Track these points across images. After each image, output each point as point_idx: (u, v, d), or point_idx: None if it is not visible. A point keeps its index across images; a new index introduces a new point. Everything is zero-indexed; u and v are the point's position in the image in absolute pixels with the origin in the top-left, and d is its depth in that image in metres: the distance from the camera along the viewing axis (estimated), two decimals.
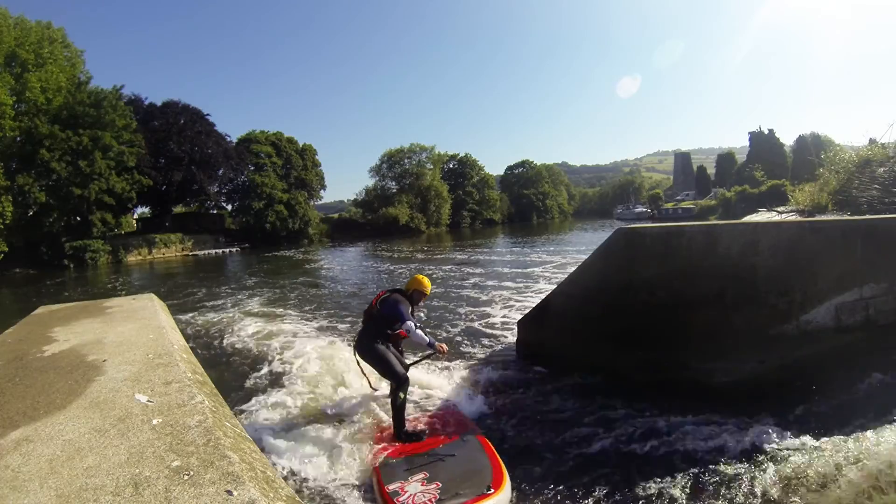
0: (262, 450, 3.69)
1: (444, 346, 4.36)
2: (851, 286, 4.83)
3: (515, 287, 12.50)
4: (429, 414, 4.61)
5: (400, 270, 18.84)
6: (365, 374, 4.77)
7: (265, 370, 6.44)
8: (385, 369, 4.25)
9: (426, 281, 4.59)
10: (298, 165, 47.68)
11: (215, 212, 46.02)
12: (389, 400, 4.29)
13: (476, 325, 8.50)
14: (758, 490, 3.19)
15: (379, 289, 8.75)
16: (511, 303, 10.36)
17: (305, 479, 3.63)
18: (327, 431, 4.27)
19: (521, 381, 5.54)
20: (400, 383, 4.14)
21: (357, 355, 4.54)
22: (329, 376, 5.85)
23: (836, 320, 4.78)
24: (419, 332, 4.18)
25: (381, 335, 4.38)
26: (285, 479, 3.46)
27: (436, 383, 5.47)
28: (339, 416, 4.66)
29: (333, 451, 3.94)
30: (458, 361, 6.25)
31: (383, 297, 4.49)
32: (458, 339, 7.63)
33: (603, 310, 5.43)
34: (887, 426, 3.72)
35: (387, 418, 4.45)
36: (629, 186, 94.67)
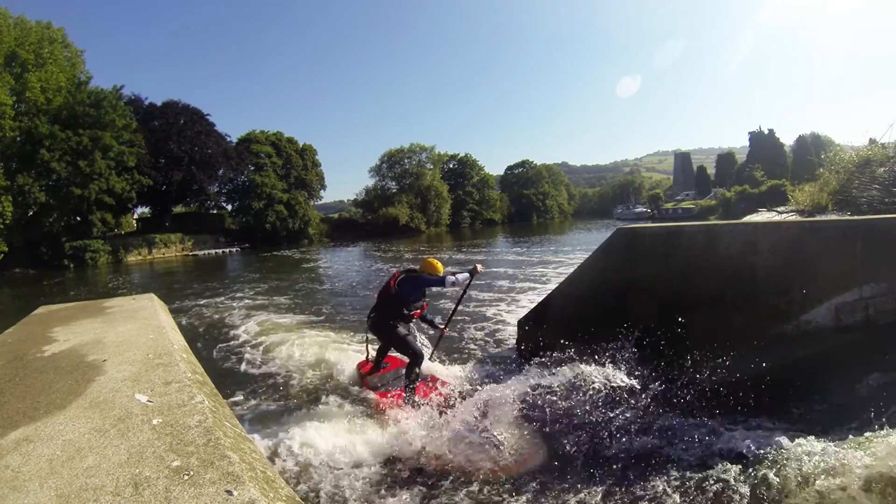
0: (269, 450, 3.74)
1: (480, 266, 4.90)
2: (851, 286, 4.82)
3: (515, 287, 12.50)
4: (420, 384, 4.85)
5: (397, 269, 18.80)
6: (367, 350, 5.23)
7: (265, 366, 6.51)
8: (404, 348, 4.65)
9: (438, 265, 4.84)
10: (298, 165, 47.66)
11: (215, 212, 46.01)
12: (404, 374, 4.69)
13: (476, 324, 8.51)
14: (757, 490, 3.19)
15: (376, 287, 9.35)
16: (511, 303, 10.36)
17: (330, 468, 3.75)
18: (335, 420, 4.47)
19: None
20: (417, 360, 4.56)
21: (370, 331, 4.87)
22: (327, 368, 6.06)
23: (836, 320, 4.78)
24: (452, 278, 4.62)
25: (398, 315, 4.67)
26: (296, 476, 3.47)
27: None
28: (341, 405, 4.86)
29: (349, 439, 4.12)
30: (458, 361, 6.25)
31: (401, 278, 4.76)
32: (458, 338, 7.63)
33: (602, 310, 5.43)
34: (887, 426, 3.71)
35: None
36: (629, 186, 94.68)
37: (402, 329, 4.68)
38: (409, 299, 4.68)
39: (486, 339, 7.55)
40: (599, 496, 3.29)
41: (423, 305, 4.83)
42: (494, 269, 16.78)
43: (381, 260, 24.54)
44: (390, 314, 4.69)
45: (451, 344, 7.31)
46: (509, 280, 13.89)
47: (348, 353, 6.87)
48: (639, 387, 4.87)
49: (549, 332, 6.04)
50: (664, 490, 3.28)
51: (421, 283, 4.68)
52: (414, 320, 4.91)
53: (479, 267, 4.86)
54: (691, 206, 54.07)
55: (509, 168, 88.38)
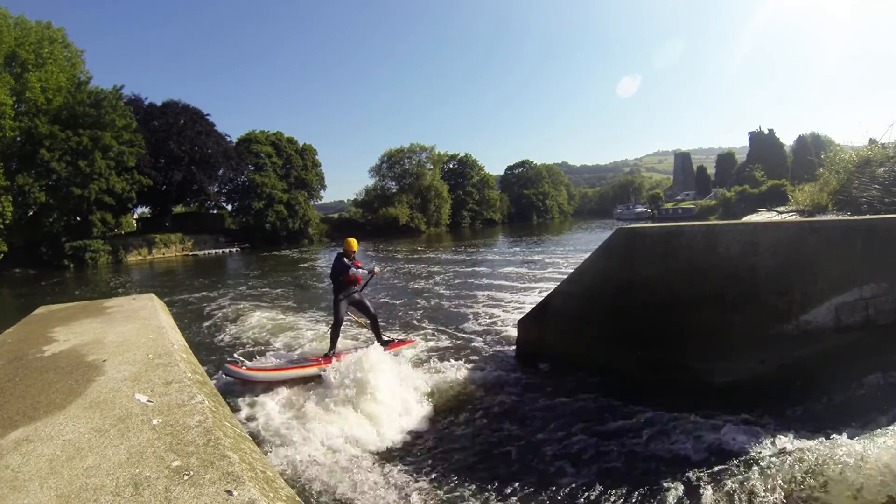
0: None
1: (378, 269, 6.94)
2: (851, 286, 4.82)
3: (515, 287, 12.50)
4: None
5: (399, 268, 18.86)
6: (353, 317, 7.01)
7: (263, 356, 6.53)
8: (334, 312, 6.18)
9: (352, 243, 6.32)
10: (298, 165, 47.61)
11: (215, 212, 45.95)
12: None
13: (476, 324, 8.51)
14: (757, 490, 3.19)
15: (378, 283, 12.42)
16: (511, 303, 10.36)
17: None
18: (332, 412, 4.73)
19: (520, 382, 5.55)
20: (336, 323, 6.06)
21: None
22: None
23: (836, 320, 4.78)
24: (358, 270, 6.21)
25: (336, 285, 6.15)
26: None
27: (435, 382, 5.48)
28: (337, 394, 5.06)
29: None
30: (458, 361, 6.25)
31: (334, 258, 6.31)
32: (459, 338, 7.64)
33: (603, 310, 5.43)
34: (887, 426, 3.72)
35: None
36: (629, 186, 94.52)
37: (336, 299, 6.09)
38: (339, 273, 6.08)
39: (486, 338, 7.54)
40: (599, 495, 3.29)
41: (356, 277, 6.17)
42: (494, 269, 16.80)
43: (387, 260, 24.54)
44: (335, 288, 6.13)
45: (452, 344, 7.32)
46: (509, 279, 13.91)
47: (346, 343, 6.93)
48: (639, 386, 4.88)
49: (549, 331, 6.05)
50: (664, 489, 3.27)
51: (339, 264, 6.13)
52: (356, 286, 6.32)
53: (376, 269, 6.84)
54: (691, 206, 54.01)
55: (509, 168, 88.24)
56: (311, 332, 8.39)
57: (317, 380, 5.37)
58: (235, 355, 6.09)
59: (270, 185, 43.27)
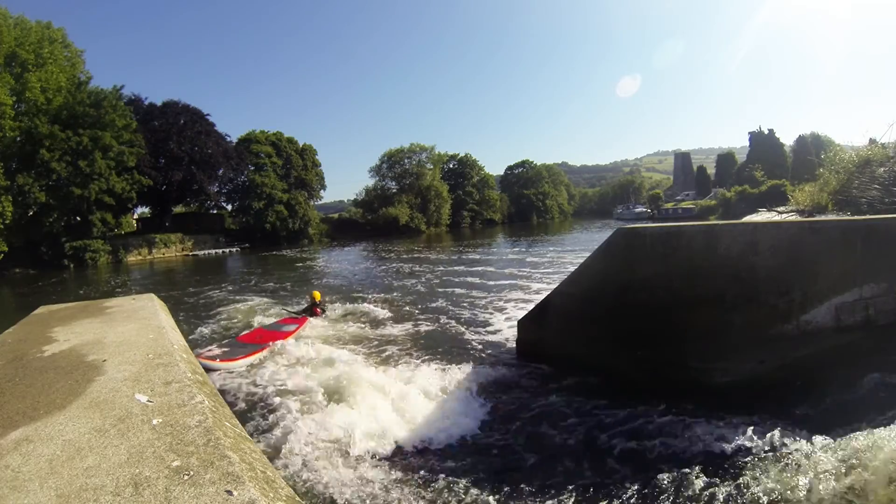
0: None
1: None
2: (851, 286, 4.83)
3: (515, 287, 12.51)
4: None
5: (397, 267, 18.86)
6: None
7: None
8: None
9: (315, 294, 9.50)
10: (298, 165, 47.61)
11: (215, 212, 45.93)
12: None
13: (476, 324, 8.51)
14: (757, 490, 3.18)
15: (375, 282, 14.31)
16: (511, 302, 10.36)
17: None
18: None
19: (520, 381, 5.55)
20: None
21: None
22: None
23: (836, 320, 4.78)
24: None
25: None
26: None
27: (436, 382, 5.48)
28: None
29: None
30: (458, 361, 6.25)
31: None
32: (458, 338, 7.63)
33: (603, 310, 5.43)
34: (887, 426, 3.71)
35: None
36: (629, 186, 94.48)
37: None
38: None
39: (486, 339, 7.54)
40: (597, 496, 3.29)
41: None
42: (494, 269, 16.82)
43: (386, 260, 24.56)
44: None
45: (451, 345, 7.32)
46: (509, 279, 13.92)
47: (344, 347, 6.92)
48: (638, 386, 4.88)
49: (549, 331, 6.05)
50: (663, 490, 3.27)
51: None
52: None
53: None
54: (691, 206, 54.03)
55: (509, 168, 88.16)
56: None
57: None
58: (205, 352, 6.61)
59: (270, 185, 43.27)
